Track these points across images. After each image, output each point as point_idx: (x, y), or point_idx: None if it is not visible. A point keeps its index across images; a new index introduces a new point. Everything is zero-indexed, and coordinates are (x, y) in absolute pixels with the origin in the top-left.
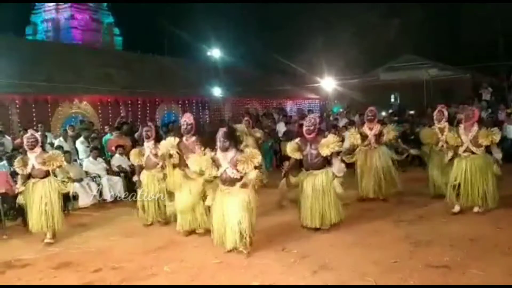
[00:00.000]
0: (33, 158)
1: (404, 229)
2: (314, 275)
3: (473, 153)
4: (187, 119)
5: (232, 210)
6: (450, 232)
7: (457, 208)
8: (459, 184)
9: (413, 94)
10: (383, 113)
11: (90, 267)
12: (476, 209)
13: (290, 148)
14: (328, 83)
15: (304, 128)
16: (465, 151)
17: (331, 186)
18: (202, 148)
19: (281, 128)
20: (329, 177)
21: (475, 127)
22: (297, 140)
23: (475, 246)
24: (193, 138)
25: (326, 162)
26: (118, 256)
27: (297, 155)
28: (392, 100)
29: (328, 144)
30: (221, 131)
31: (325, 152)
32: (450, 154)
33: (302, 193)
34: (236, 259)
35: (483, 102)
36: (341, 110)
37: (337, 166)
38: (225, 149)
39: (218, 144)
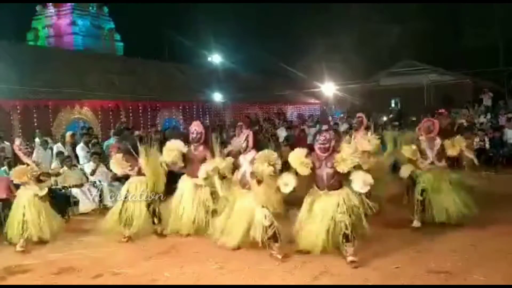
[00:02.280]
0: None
1: (406, 235)
2: (315, 280)
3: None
4: (196, 127)
5: (252, 209)
6: (451, 238)
7: (417, 224)
8: (424, 199)
9: (413, 99)
10: (384, 118)
11: (90, 273)
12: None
13: (300, 162)
14: (329, 88)
15: (317, 145)
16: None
17: (347, 211)
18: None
19: (282, 133)
20: (349, 199)
21: (438, 140)
22: (308, 153)
23: (476, 251)
24: (201, 147)
25: (343, 179)
26: (119, 261)
27: (305, 171)
28: (393, 105)
29: (346, 158)
30: (244, 134)
31: (342, 168)
32: (409, 168)
33: (307, 212)
34: (237, 265)
35: (483, 106)
36: (341, 115)
37: (360, 181)
38: (243, 150)
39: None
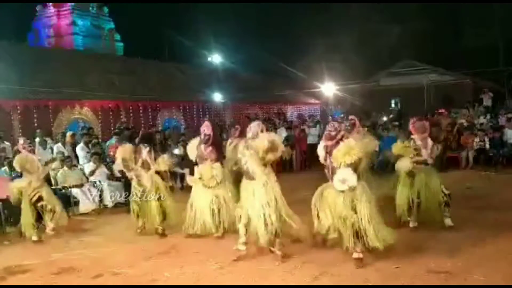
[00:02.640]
0: None
1: (406, 236)
2: (315, 281)
3: (426, 164)
4: (205, 128)
5: (255, 203)
6: (451, 238)
7: (414, 223)
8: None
9: (413, 99)
10: (384, 118)
11: (91, 273)
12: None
13: (321, 156)
14: (329, 88)
15: (325, 132)
16: (418, 163)
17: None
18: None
19: (282, 133)
20: (359, 194)
21: (430, 141)
22: (323, 144)
23: (476, 251)
24: (210, 148)
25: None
26: (119, 261)
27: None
28: (393, 105)
29: (344, 154)
30: (255, 123)
31: (335, 162)
32: (407, 161)
33: (319, 200)
34: (237, 265)
35: (482, 107)
36: (341, 115)
37: (340, 178)
38: (254, 137)
39: (250, 133)
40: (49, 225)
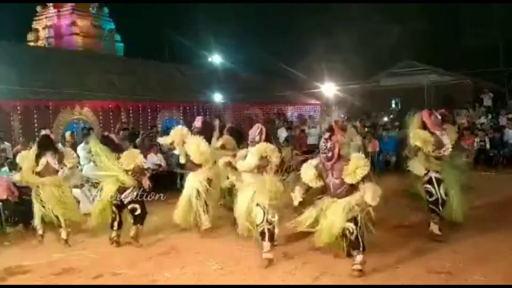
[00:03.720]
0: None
1: (406, 236)
2: (315, 281)
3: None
4: (195, 123)
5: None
6: (452, 238)
7: (437, 231)
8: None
9: (414, 100)
10: (385, 119)
11: (91, 273)
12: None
13: (308, 177)
14: (329, 89)
15: (320, 154)
16: (438, 158)
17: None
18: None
19: (282, 134)
20: (357, 205)
21: (447, 137)
22: (315, 163)
23: (476, 251)
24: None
25: (354, 188)
26: (119, 262)
27: (318, 184)
28: (393, 105)
29: (354, 170)
30: (255, 127)
31: (351, 180)
32: (422, 164)
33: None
34: (237, 265)
35: (483, 107)
36: (341, 115)
37: (371, 193)
38: (253, 144)
39: (250, 137)
40: (62, 232)
